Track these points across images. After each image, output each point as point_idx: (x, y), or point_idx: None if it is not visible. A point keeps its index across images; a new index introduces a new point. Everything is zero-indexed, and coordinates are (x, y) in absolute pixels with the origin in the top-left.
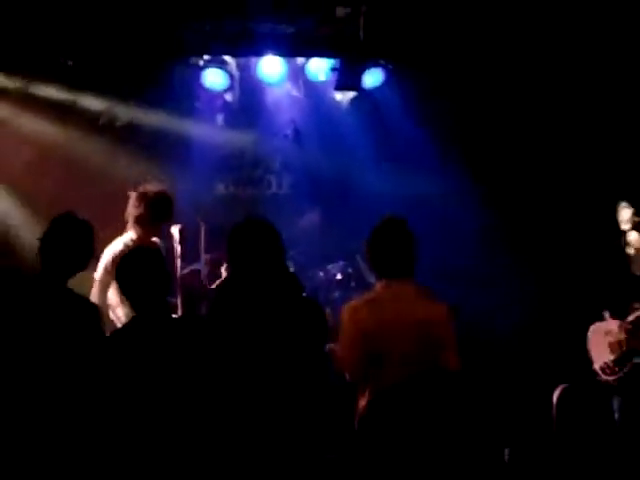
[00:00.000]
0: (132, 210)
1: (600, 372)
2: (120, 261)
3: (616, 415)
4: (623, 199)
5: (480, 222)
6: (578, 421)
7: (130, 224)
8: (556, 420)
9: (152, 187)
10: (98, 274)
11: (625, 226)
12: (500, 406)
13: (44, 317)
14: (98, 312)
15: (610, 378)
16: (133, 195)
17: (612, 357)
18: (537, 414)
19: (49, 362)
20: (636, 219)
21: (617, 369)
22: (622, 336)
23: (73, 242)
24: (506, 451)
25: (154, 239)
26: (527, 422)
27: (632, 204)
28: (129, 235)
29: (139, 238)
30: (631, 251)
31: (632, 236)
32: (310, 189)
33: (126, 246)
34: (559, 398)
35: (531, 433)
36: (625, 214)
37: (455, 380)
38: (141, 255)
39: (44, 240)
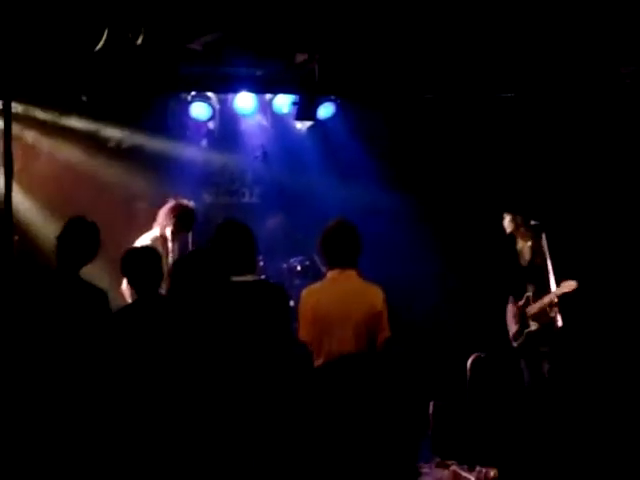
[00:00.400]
0: (166, 217)
1: (513, 341)
2: (123, 258)
3: (525, 373)
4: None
5: (409, 229)
6: (488, 382)
7: (157, 224)
8: (470, 380)
9: (183, 202)
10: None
11: (509, 230)
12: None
13: (62, 301)
14: (106, 295)
15: (515, 344)
16: (169, 205)
17: (515, 328)
18: (456, 378)
19: (67, 336)
20: (515, 224)
21: (518, 337)
22: (516, 314)
23: (83, 240)
24: (431, 404)
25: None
26: (449, 384)
27: (514, 212)
28: (155, 232)
29: (162, 236)
30: (519, 247)
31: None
32: (276, 198)
33: (152, 241)
34: (472, 363)
35: (451, 392)
36: (506, 222)
37: (383, 359)
38: (140, 253)
39: (60, 238)
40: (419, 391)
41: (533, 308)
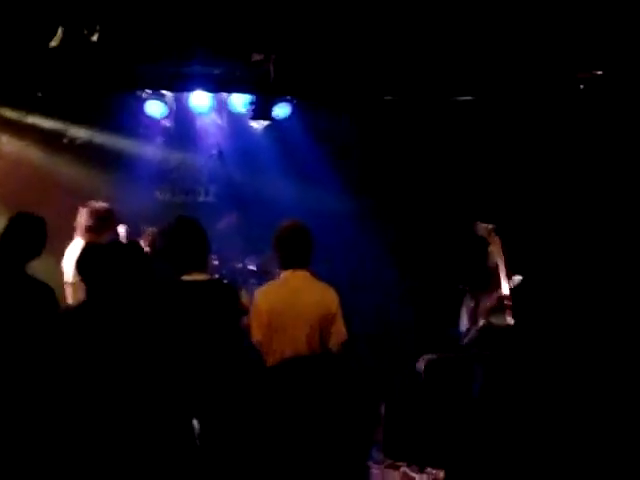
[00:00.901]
0: (82, 222)
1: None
2: (80, 256)
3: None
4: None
5: (364, 229)
6: (440, 382)
7: (80, 233)
8: (421, 382)
9: (99, 204)
10: (70, 278)
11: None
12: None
13: (6, 296)
14: (52, 291)
15: (464, 342)
16: (84, 210)
17: (466, 325)
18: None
19: (11, 331)
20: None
21: (468, 333)
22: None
23: (28, 234)
24: (382, 406)
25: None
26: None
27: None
28: (80, 242)
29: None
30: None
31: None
32: (231, 198)
33: None
34: (425, 365)
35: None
36: (480, 228)
37: (339, 361)
38: (95, 251)
39: (4, 233)
40: (369, 392)
41: (485, 303)
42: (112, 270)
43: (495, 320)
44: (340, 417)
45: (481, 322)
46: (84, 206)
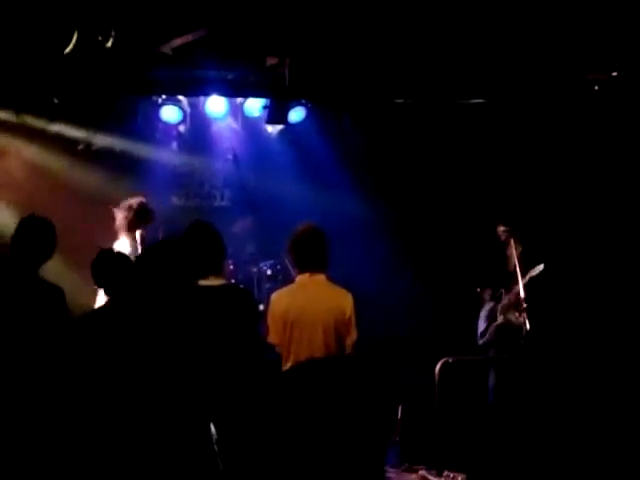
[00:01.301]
0: (122, 219)
1: (479, 338)
2: (94, 262)
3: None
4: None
5: (379, 233)
6: (456, 386)
7: (122, 231)
8: (438, 384)
9: (134, 199)
10: None
11: (502, 238)
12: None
13: (17, 299)
14: (62, 293)
15: (480, 343)
16: (120, 209)
17: (484, 325)
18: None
19: (20, 336)
20: (506, 233)
21: (485, 334)
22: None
23: (36, 237)
24: (399, 409)
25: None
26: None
27: (505, 223)
28: (124, 241)
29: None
30: (508, 253)
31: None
32: (246, 202)
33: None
34: (440, 368)
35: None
36: (500, 231)
37: (351, 362)
38: (110, 257)
39: (14, 237)
40: (386, 395)
41: (504, 300)
42: (125, 276)
43: (512, 317)
44: (356, 420)
45: (500, 319)
46: (117, 207)
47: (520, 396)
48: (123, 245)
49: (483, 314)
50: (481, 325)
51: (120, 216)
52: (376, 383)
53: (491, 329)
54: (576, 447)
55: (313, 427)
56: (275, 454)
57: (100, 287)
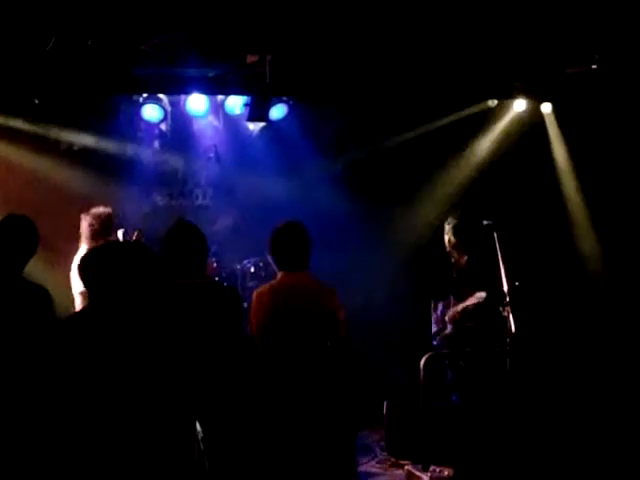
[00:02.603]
0: (86, 227)
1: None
2: (82, 260)
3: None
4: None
5: (361, 230)
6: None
7: (84, 239)
8: (423, 378)
9: (101, 208)
10: (78, 288)
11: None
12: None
13: (2, 301)
14: (48, 294)
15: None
16: (87, 216)
17: (435, 328)
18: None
19: (6, 339)
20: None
21: (437, 337)
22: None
23: (17, 236)
24: (384, 404)
25: None
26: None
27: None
28: (84, 249)
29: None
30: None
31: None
32: (228, 200)
33: None
34: (425, 363)
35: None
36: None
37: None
38: (96, 254)
39: None
40: (357, 391)
41: (451, 312)
42: (113, 273)
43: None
44: (330, 414)
45: (448, 329)
46: (86, 213)
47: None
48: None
49: (433, 318)
50: (433, 327)
51: (85, 224)
52: (349, 382)
53: (440, 337)
54: (560, 441)
55: (292, 422)
56: (256, 447)
57: (86, 286)
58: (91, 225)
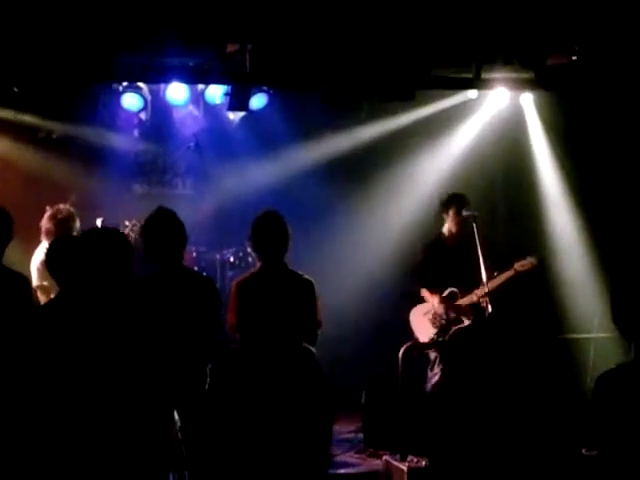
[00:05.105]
0: (44, 224)
1: (434, 337)
2: (48, 248)
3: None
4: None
5: (342, 219)
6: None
7: (43, 235)
8: (401, 369)
9: (61, 206)
10: (35, 281)
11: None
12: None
13: None
14: (28, 282)
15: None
16: (46, 214)
17: (435, 330)
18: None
19: None
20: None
21: (440, 339)
22: (441, 310)
23: None
24: (363, 395)
25: None
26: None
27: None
28: (45, 245)
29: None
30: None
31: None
32: (208, 189)
33: None
34: (403, 353)
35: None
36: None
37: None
38: (65, 243)
39: None
40: (329, 387)
41: (462, 303)
42: (81, 263)
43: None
44: (305, 403)
45: (465, 321)
46: (48, 209)
47: (481, 381)
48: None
49: (425, 312)
50: (428, 331)
51: (43, 221)
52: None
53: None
54: (535, 431)
55: (267, 410)
56: (233, 438)
57: (53, 277)
58: (46, 223)
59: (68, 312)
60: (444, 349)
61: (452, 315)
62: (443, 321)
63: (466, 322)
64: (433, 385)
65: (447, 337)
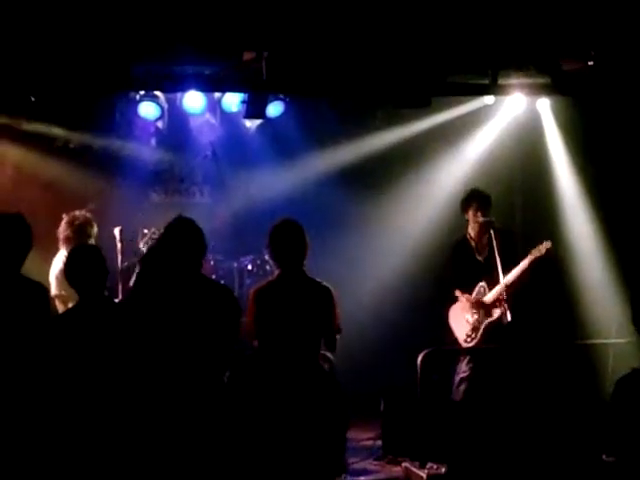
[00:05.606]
0: (61, 232)
1: (464, 343)
2: (68, 257)
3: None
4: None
5: (358, 227)
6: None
7: (61, 243)
8: (420, 376)
9: (78, 213)
10: (53, 290)
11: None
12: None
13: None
14: (46, 291)
15: (471, 344)
16: (63, 220)
17: (469, 326)
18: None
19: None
20: (480, 219)
21: (474, 335)
22: (471, 307)
23: (11, 234)
24: (381, 402)
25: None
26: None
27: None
28: (63, 253)
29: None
30: (473, 244)
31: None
32: (225, 197)
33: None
34: (422, 360)
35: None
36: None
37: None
38: (84, 252)
39: None
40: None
41: (490, 297)
42: (100, 272)
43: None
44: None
45: (495, 314)
46: (65, 216)
47: (501, 387)
48: (61, 259)
49: (459, 311)
50: (464, 328)
51: (60, 228)
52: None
53: (482, 327)
54: (554, 437)
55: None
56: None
57: (74, 287)
58: (64, 231)
59: (86, 321)
60: (474, 353)
61: (481, 309)
62: (476, 316)
63: (495, 314)
64: (462, 391)
65: (480, 332)
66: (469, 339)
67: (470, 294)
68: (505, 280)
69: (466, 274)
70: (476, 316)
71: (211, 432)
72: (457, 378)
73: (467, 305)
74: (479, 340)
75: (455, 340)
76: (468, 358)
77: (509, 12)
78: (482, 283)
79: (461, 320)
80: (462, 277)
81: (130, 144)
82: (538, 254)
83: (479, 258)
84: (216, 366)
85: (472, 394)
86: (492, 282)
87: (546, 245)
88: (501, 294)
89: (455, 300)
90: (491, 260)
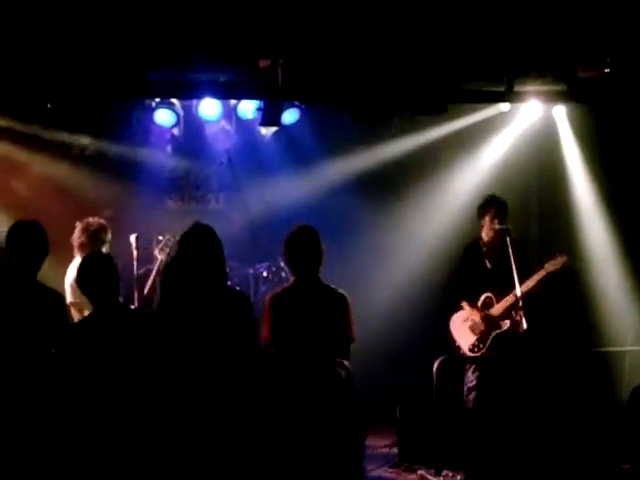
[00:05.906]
0: (75, 238)
1: (469, 352)
2: (80, 265)
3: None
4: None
5: (374, 234)
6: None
7: (76, 250)
8: (436, 383)
9: (92, 219)
10: (69, 298)
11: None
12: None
13: (17, 305)
14: (62, 298)
15: (477, 354)
16: (77, 227)
17: (475, 337)
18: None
19: (22, 342)
20: (496, 226)
21: (481, 345)
22: (478, 318)
23: (28, 241)
24: (397, 409)
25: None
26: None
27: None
28: (78, 260)
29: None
30: (484, 249)
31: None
32: (241, 204)
33: None
34: (438, 367)
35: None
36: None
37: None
38: (94, 260)
39: (6, 244)
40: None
41: (498, 308)
42: (111, 278)
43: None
44: (338, 419)
45: (504, 326)
46: (79, 222)
47: (515, 395)
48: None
49: (462, 321)
50: (468, 338)
51: (74, 235)
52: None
53: (490, 338)
54: (571, 445)
55: (302, 428)
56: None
57: (86, 295)
58: (78, 237)
59: (103, 330)
60: (481, 363)
61: (490, 321)
62: (482, 327)
63: (504, 326)
64: (472, 400)
65: (488, 343)
66: (476, 349)
67: (475, 302)
68: (515, 292)
69: (473, 280)
70: (482, 327)
71: (230, 439)
72: (465, 388)
73: (472, 316)
74: (486, 350)
75: (458, 348)
76: (474, 367)
77: (525, 19)
78: (488, 294)
79: (464, 329)
80: (468, 284)
81: (146, 151)
82: (552, 269)
83: (488, 265)
84: (235, 374)
85: (482, 402)
86: (498, 292)
87: (562, 260)
88: (512, 304)
89: (458, 308)
90: (499, 268)
